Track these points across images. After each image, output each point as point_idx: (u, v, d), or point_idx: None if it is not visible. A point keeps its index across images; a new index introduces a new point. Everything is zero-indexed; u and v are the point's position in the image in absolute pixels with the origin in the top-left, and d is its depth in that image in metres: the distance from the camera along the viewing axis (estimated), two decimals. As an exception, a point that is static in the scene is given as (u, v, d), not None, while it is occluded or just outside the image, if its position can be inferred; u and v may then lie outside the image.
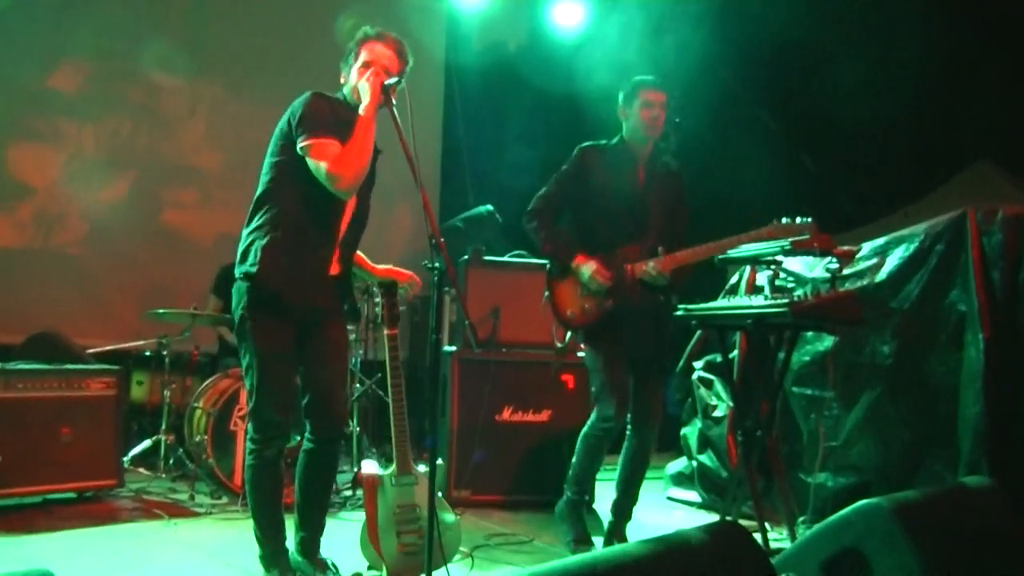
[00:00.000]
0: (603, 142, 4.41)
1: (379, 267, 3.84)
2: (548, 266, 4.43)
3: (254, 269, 3.34)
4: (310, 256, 3.43)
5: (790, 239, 4.03)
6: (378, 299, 3.63)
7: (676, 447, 6.20)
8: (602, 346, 4.26)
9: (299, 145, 3.34)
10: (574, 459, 4.40)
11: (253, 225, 3.43)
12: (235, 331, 3.50)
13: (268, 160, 3.49)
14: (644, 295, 4.23)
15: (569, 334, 4.49)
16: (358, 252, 3.74)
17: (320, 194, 3.37)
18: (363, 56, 3.50)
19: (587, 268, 4.17)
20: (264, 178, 3.48)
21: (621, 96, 4.36)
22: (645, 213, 4.30)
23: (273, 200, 3.43)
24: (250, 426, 3.48)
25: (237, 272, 3.44)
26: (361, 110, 3.37)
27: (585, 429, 4.33)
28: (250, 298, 3.39)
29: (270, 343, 3.39)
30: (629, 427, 4.35)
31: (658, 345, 4.39)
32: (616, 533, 4.40)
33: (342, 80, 3.58)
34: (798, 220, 4.01)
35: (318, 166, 3.32)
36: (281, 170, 3.44)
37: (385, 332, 3.65)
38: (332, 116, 3.41)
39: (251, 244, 3.39)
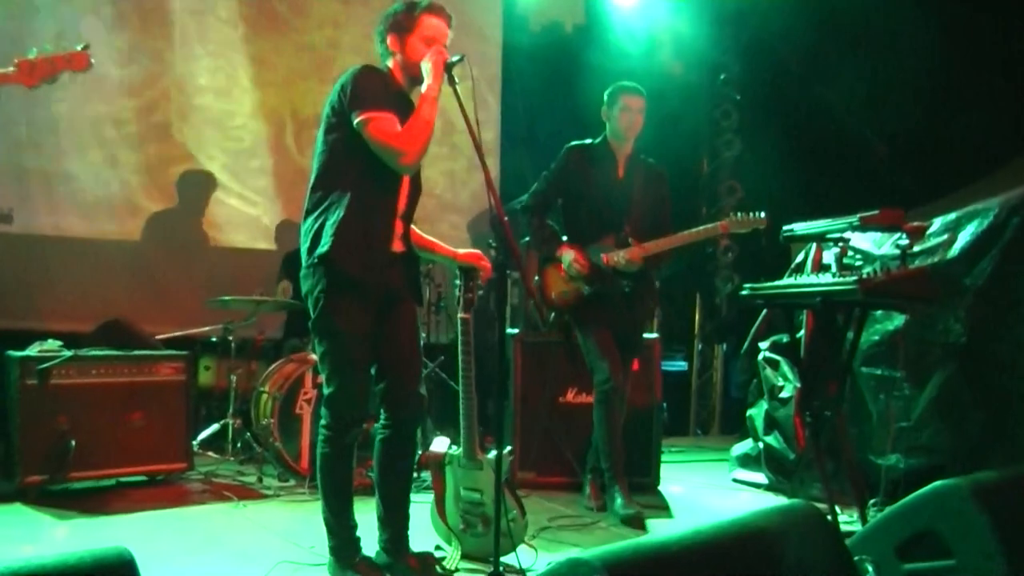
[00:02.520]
0: (588, 141, 4.92)
1: (460, 251, 3.67)
2: (539, 254, 4.93)
3: (326, 249, 3.24)
4: (377, 234, 3.34)
5: (749, 230, 4.58)
6: (457, 281, 3.56)
7: (742, 429, 6.13)
8: (588, 322, 4.78)
9: (355, 120, 3.25)
10: (596, 437, 4.82)
11: (317, 208, 3.35)
12: (311, 316, 3.38)
13: (321, 138, 3.41)
14: (617, 281, 4.75)
15: (553, 314, 4.91)
16: (432, 238, 3.69)
17: (379, 169, 3.30)
18: (423, 30, 3.40)
19: (567, 256, 4.73)
20: (320, 158, 3.39)
21: (604, 98, 4.86)
22: (624, 206, 4.78)
23: (332, 180, 3.34)
24: (325, 412, 3.39)
25: (308, 258, 3.34)
26: (424, 87, 3.30)
27: (594, 405, 4.77)
28: (327, 281, 3.29)
29: (349, 325, 3.31)
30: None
31: (631, 324, 4.89)
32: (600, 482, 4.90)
33: (392, 47, 3.45)
34: (751, 215, 4.57)
35: (378, 141, 3.24)
36: (336, 148, 3.35)
37: (460, 316, 3.55)
38: (384, 90, 3.35)
39: (320, 227, 3.30)
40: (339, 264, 3.27)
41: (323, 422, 3.41)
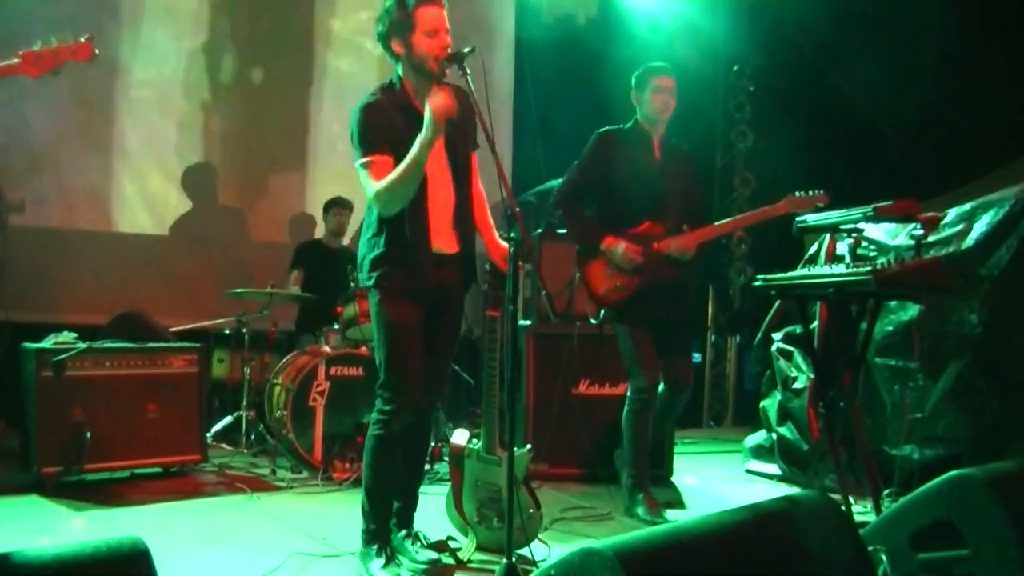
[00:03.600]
0: (619, 126, 4.64)
1: (501, 245, 3.62)
2: (578, 248, 4.64)
3: (371, 283, 3.49)
4: (415, 243, 3.44)
5: (811, 209, 4.33)
6: (488, 268, 3.56)
7: (755, 420, 6.12)
8: (630, 321, 4.49)
9: (356, 163, 3.42)
10: (624, 444, 4.57)
11: (363, 235, 3.56)
12: (370, 305, 3.59)
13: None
14: (670, 270, 4.49)
15: (602, 311, 4.60)
16: (490, 222, 3.74)
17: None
18: (423, 25, 3.38)
19: (618, 247, 4.42)
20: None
21: (633, 82, 4.60)
22: (664, 191, 4.54)
23: (370, 205, 3.51)
24: (378, 400, 3.50)
25: (361, 282, 3.60)
26: (421, 138, 3.29)
27: (625, 409, 4.53)
28: (380, 291, 3.47)
29: (400, 317, 3.44)
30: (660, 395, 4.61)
31: (683, 317, 4.68)
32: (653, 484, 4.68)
33: (397, 50, 3.45)
34: (811, 192, 4.33)
35: (368, 187, 3.39)
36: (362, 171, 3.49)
37: (487, 313, 3.57)
38: (381, 125, 3.41)
39: (363, 257, 3.54)
40: (386, 281, 3.46)
41: (376, 407, 3.52)
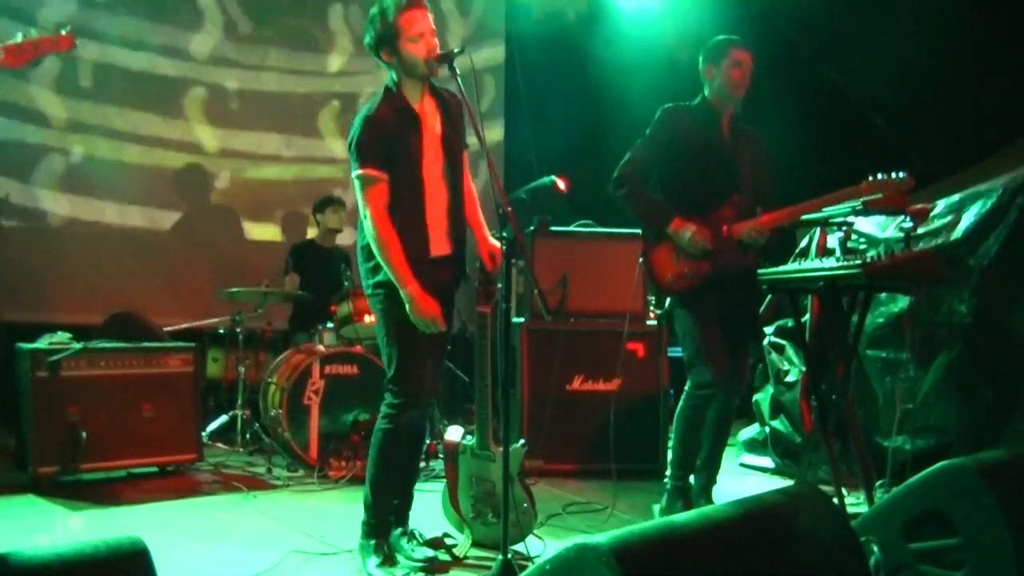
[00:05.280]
0: (685, 103, 4.32)
1: (490, 242, 3.69)
2: (642, 232, 4.38)
3: (373, 288, 3.55)
4: (417, 260, 3.47)
5: (884, 195, 3.87)
6: (477, 265, 3.59)
7: (748, 413, 6.14)
8: (696, 310, 4.18)
9: (352, 174, 3.49)
10: (672, 442, 4.33)
11: (360, 240, 3.59)
12: (373, 305, 3.64)
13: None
14: (741, 256, 4.15)
15: (667, 301, 4.39)
16: (480, 219, 3.77)
17: (400, 195, 3.47)
18: (408, 31, 3.43)
19: (686, 231, 4.10)
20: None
21: (704, 55, 4.28)
22: (735, 172, 4.22)
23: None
24: (388, 395, 3.55)
25: (364, 287, 3.65)
26: (403, 291, 3.41)
27: (680, 404, 4.26)
28: (384, 291, 3.52)
29: (406, 315, 3.46)
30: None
31: (751, 307, 4.40)
32: (702, 496, 4.33)
33: (388, 59, 3.50)
34: (892, 176, 3.87)
35: (361, 200, 3.46)
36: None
37: (478, 309, 3.59)
38: (381, 138, 3.45)
39: (363, 262, 3.59)
40: (387, 287, 3.49)
41: (385, 401, 3.57)
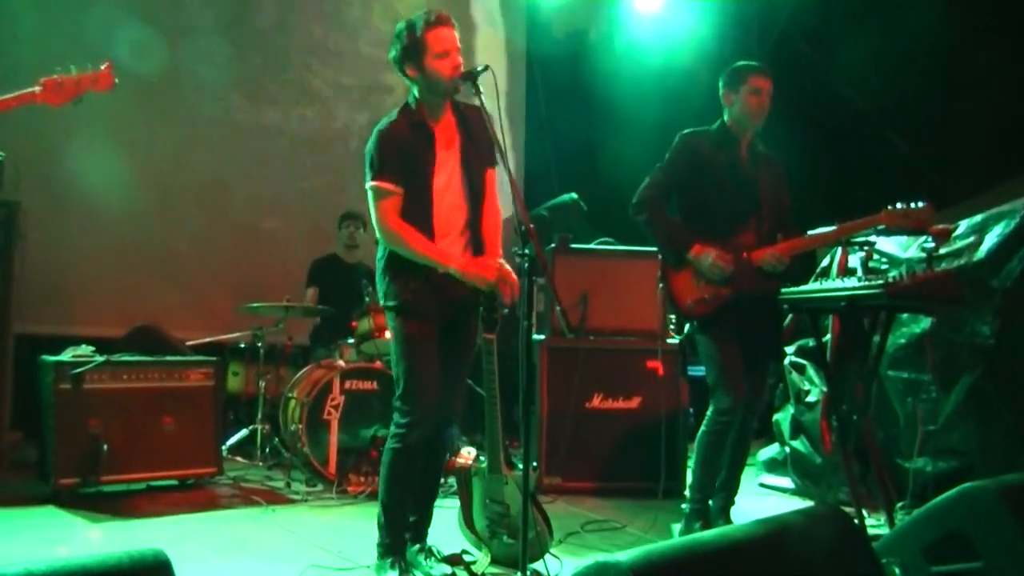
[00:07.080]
0: (704, 128, 4.34)
1: (493, 263, 3.52)
2: (662, 256, 4.37)
3: (387, 301, 3.58)
4: (427, 273, 3.50)
5: (902, 225, 3.90)
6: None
7: (768, 433, 6.11)
8: (717, 335, 4.18)
9: (365, 184, 3.52)
10: (693, 464, 4.32)
11: (378, 253, 3.63)
12: (387, 322, 3.66)
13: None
14: (761, 282, 4.14)
15: (687, 325, 4.37)
16: (492, 242, 3.69)
17: (409, 209, 3.49)
18: (434, 47, 3.45)
19: (707, 256, 4.10)
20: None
21: (724, 81, 4.30)
22: (755, 198, 4.22)
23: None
24: (396, 413, 3.54)
25: (381, 301, 3.66)
26: (448, 266, 3.46)
27: (703, 428, 4.24)
28: (395, 306, 3.55)
29: (418, 332, 3.50)
30: None
31: (772, 332, 4.39)
32: (721, 516, 4.32)
33: (412, 75, 3.52)
34: (911, 205, 3.85)
35: (374, 211, 3.50)
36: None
37: (483, 335, 3.53)
38: (396, 151, 3.48)
39: (379, 277, 3.62)
40: (400, 301, 3.53)
41: (393, 420, 3.57)
